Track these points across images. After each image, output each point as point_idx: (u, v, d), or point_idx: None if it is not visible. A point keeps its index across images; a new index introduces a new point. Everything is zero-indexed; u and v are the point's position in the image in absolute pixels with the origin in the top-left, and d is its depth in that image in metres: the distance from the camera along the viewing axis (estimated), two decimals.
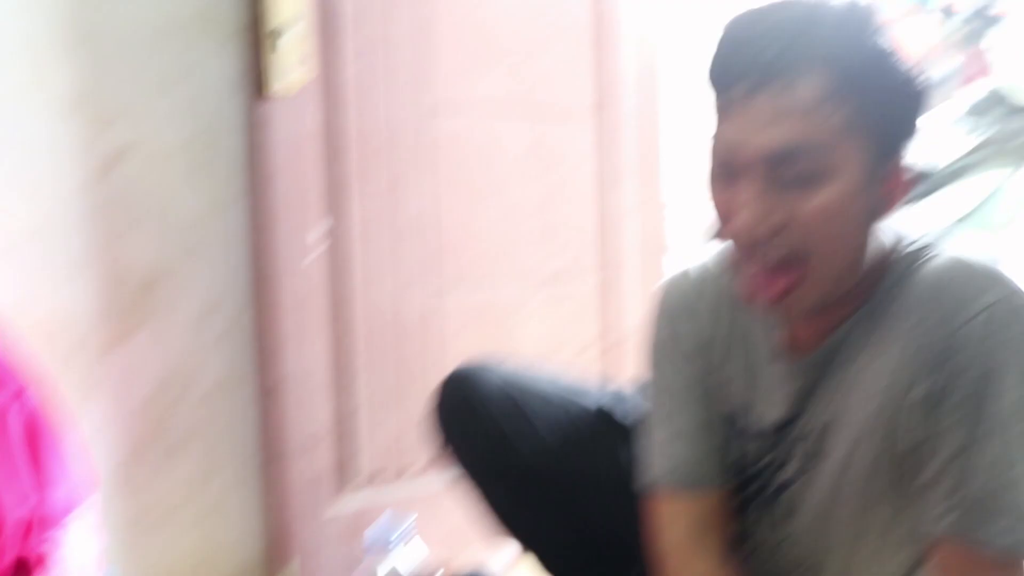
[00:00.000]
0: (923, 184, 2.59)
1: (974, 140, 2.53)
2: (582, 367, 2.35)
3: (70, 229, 1.78)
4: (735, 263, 1.09)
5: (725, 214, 1.06)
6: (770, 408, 1.21)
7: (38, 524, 1.35)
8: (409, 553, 1.37)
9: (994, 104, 2.65)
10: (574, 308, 2.33)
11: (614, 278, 2.39)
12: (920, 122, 1.05)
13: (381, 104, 2.00)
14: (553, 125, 2.27)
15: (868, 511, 1.16)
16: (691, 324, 1.25)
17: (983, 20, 2.62)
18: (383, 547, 1.35)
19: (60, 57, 1.75)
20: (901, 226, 1.13)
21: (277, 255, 1.88)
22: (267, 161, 1.85)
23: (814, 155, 0.99)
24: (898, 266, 1.10)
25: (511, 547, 1.57)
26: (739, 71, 1.01)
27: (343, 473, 2.01)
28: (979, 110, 2.65)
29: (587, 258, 2.35)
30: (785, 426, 1.20)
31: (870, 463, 1.12)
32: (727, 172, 1.04)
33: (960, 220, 2.53)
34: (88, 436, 1.79)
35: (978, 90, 2.79)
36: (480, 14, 2.14)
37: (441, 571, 1.78)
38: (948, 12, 2.67)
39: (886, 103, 1.01)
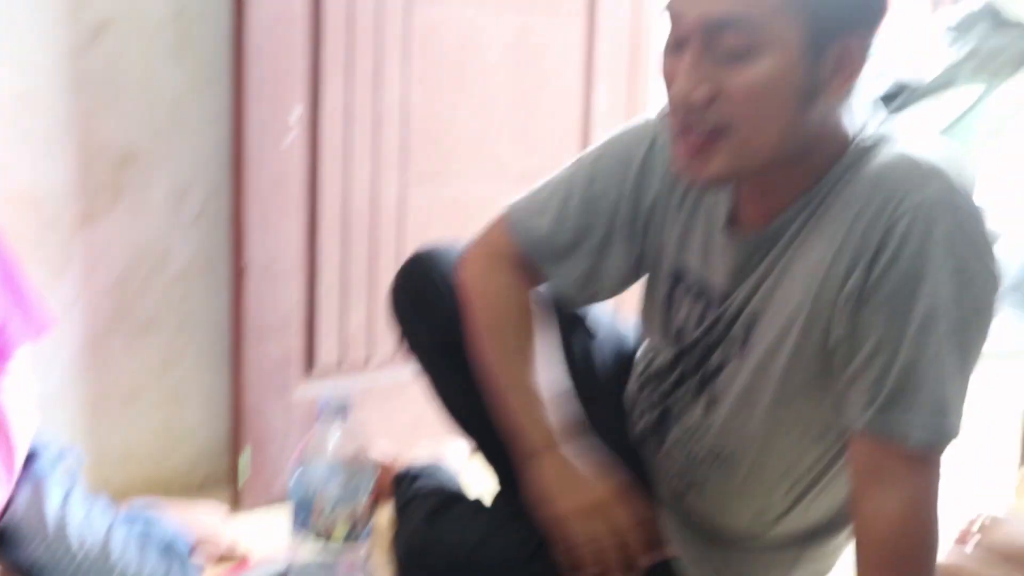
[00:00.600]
0: (906, 95, 2.59)
1: (958, 53, 2.52)
2: None
3: (50, 101, 1.75)
4: (672, 134, 1.14)
5: (668, 80, 1.11)
6: (711, 275, 1.24)
7: None
8: (354, 427, 1.39)
9: (980, 19, 2.63)
10: None
11: None
12: (879, 9, 1.06)
13: None
14: (541, 18, 2.22)
15: (788, 403, 1.18)
16: (657, 175, 1.30)
17: None
18: (338, 414, 1.37)
19: None
20: (872, 120, 1.15)
21: (254, 136, 1.85)
22: (249, 40, 1.81)
23: (747, 28, 1.03)
24: (851, 156, 1.11)
25: (465, 443, 1.59)
26: None
27: (309, 359, 2.02)
28: (965, 24, 2.63)
29: (566, 156, 2.33)
30: (722, 300, 1.23)
31: (794, 354, 1.15)
32: (675, 43, 1.09)
33: (946, 129, 2.54)
34: (58, 311, 1.78)
35: (967, 4, 2.77)
36: None
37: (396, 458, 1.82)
38: None
39: None
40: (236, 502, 1.95)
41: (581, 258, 1.35)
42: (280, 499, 2.00)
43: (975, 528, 1.78)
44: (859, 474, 1.10)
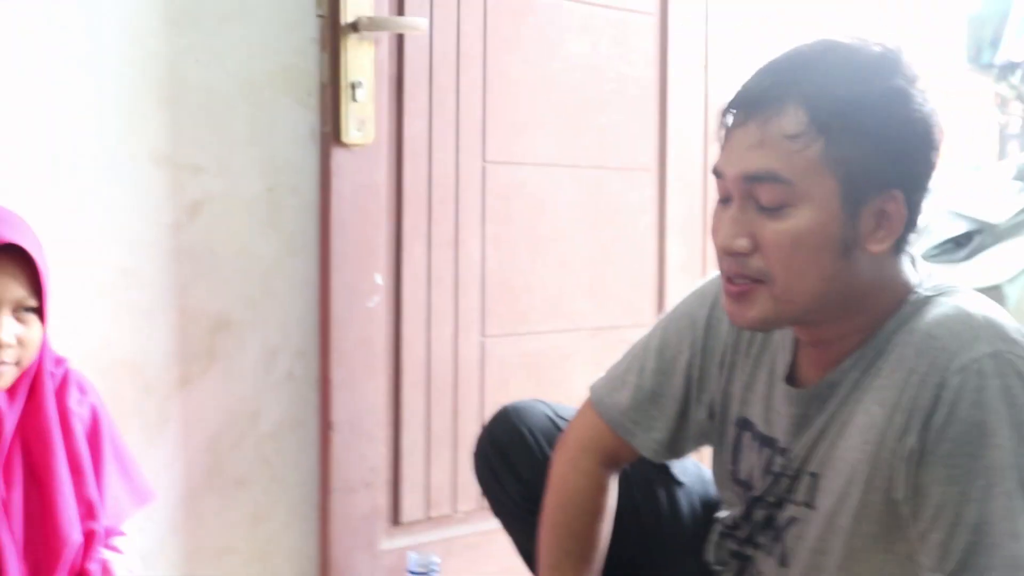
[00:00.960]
0: (983, 236, 2.61)
1: None
2: None
3: (151, 274, 1.87)
4: (722, 281, 1.18)
5: (715, 231, 1.16)
6: (773, 428, 1.26)
7: (95, 538, 1.40)
8: None
9: None
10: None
11: None
12: (920, 170, 1.10)
13: (447, 156, 2.08)
14: (613, 175, 2.33)
15: (860, 559, 1.18)
16: (724, 330, 1.33)
17: None
18: (425, 572, 1.41)
19: (152, 111, 1.85)
20: (931, 274, 1.18)
21: (340, 301, 1.96)
22: (337, 209, 1.93)
23: (782, 183, 1.08)
24: (907, 309, 1.14)
25: None
26: (736, 103, 1.13)
27: (395, 512, 2.08)
28: None
29: (641, 309, 2.40)
30: (784, 453, 1.24)
31: (860, 510, 1.15)
32: (721, 198, 1.16)
33: (1019, 275, 2.55)
34: (156, 472, 1.88)
35: None
36: (545, 71, 2.21)
37: None
38: (1009, 67, 2.69)
39: (865, 142, 1.07)
40: None
41: (663, 423, 1.39)
42: None
43: None
44: None
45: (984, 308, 1.10)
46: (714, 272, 1.40)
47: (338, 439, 1.98)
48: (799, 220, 1.09)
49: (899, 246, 1.14)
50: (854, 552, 1.18)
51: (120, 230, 1.85)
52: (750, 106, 1.11)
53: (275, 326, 2.01)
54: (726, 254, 1.14)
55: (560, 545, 1.41)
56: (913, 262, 1.21)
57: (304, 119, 1.99)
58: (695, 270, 2.48)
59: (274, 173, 1.98)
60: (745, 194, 1.11)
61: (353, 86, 1.91)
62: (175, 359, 1.91)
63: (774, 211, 1.09)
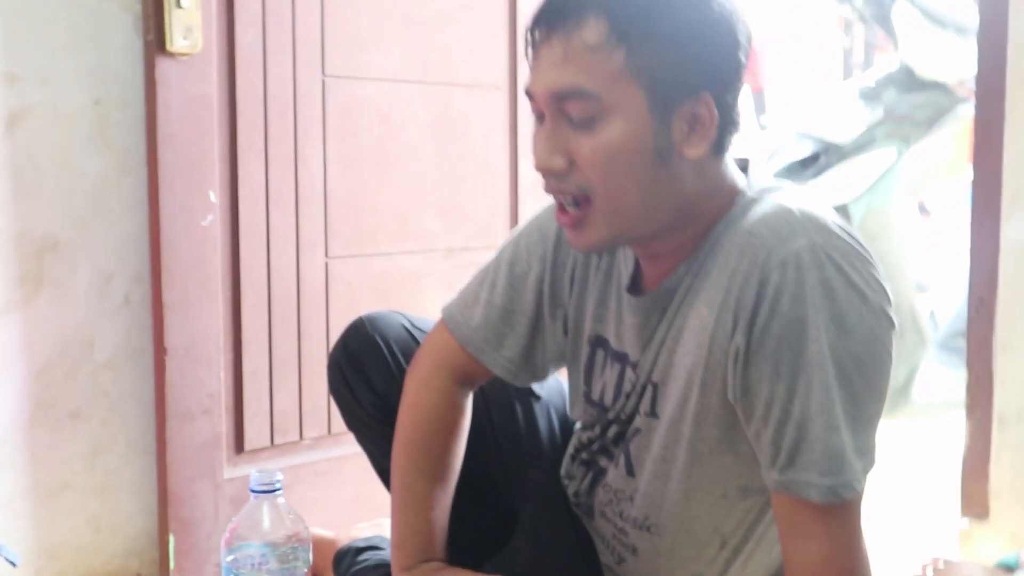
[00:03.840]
0: (827, 157, 2.65)
1: (872, 116, 2.60)
2: None
3: None
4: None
5: (533, 150, 1.13)
6: (623, 341, 1.26)
7: None
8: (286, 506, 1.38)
9: (893, 81, 2.71)
10: None
11: None
12: (728, 71, 1.09)
13: (284, 69, 1.99)
14: (462, 93, 2.27)
15: (702, 463, 1.18)
16: (563, 246, 1.32)
17: None
18: (268, 492, 1.35)
19: None
20: (758, 177, 1.18)
21: (172, 218, 1.87)
22: (165, 122, 1.84)
23: (589, 97, 1.06)
24: (734, 211, 1.14)
25: None
26: (539, 17, 1.10)
27: (239, 440, 2.01)
28: (880, 86, 2.71)
29: (494, 230, 2.36)
30: (634, 366, 1.24)
31: (698, 415, 1.15)
32: (536, 116, 1.14)
33: (863, 194, 2.60)
34: None
35: (877, 68, 2.87)
36: None
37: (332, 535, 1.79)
38: None
39: (667, 51, 1.06)
40: None
41: (515, 340, 1.38)
42: None
43: (928, 573, 1.77)
44: (781, 529, 1.12)
45: (804, 203, 1.10)
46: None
47: (173, 365, 1.90)
48: (610, 133, 1.08)
49: (718, 148, 1.13)
50: (699, 456, 1.18)
51: None
52: (552, 20, 1.09)
53: (108, 249, 1.92)
54: (545, 172, 1.12)
55: (414, 464, 1.40)
56: (746, 166, 1.21)
57: (131, 26, 1.89)
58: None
59: (101, 84, 1.88)
60: (556, 112, 1.10)
61: None
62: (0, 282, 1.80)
63: (585, 126, 1.08)
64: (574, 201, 1.12)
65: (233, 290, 1.97)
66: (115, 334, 1.94)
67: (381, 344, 1.52)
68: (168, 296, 1.87)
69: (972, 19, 2.61)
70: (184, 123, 1.86)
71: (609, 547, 1.33)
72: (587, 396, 1.34)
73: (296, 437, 2.08)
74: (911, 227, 2.64)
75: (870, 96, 2.65)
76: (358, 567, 1.61)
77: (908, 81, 2.64)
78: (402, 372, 1.46)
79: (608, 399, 1.29)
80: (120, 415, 1.96)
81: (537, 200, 2.38)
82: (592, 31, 1.06)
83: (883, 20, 2.67)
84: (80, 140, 1.87)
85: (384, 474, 1.55)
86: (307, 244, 2.05)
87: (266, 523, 1.37)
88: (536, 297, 1.35)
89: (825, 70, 3.00)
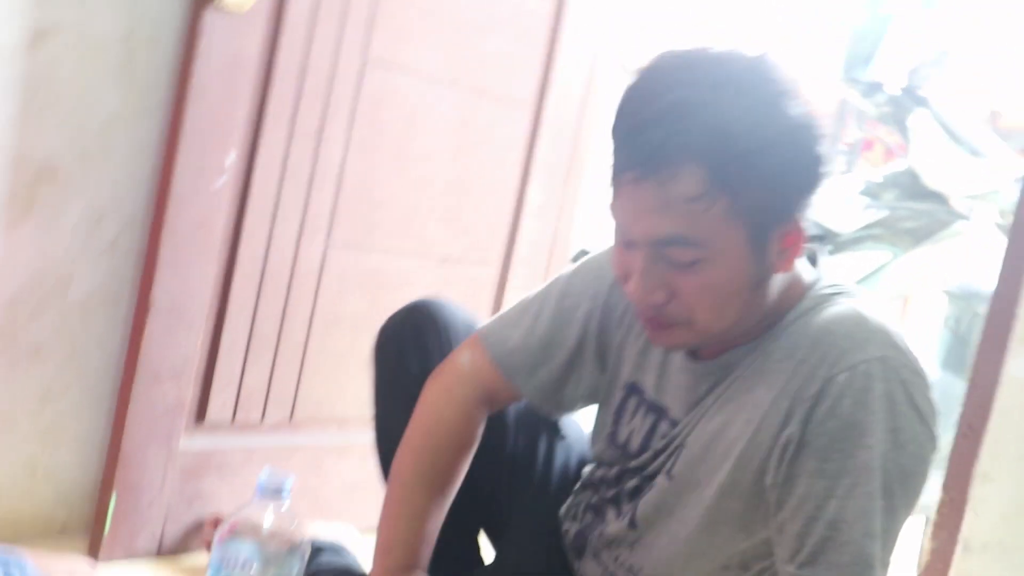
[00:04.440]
0: (825, 243, 2.67)
1: (870, 217, 2.62)
2: None
3: None
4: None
5: (623, 275, 1.15)
6: (664, 395, 1.27)
7: None
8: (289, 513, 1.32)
9: (897, 183, 2.75)
10: (466, 294, 2.29)
11: (514, 273, 2.37)
12: (812, 187, 1.11)
13: (328, 44, 1.92)
14: (488, 105, 2.23)
15: (712, 533, 1.19)
16: (618, 290, 1.30)
17: (911, 100, 2.70)
18: (275, 495, 1.29)
19: None
20: (826, 270, 1.22)
21: (184, 174, 1.79)
22: (200, 75, 1.76)
23: (692, 244, 1.07)
24: (805, 303, 1.16)
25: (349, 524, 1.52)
26: (625, 159, 1.08)
27: (201, 410, 1.93)
28: (883, 186, 2.74)
29: (491, 247, 2.32)
30: (672, 423, 1.25)
31: (727, 485, 1.16)
32: (624, 242, 1.14)
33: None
34: None
35: (884, 168, 2.90)
36: None
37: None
38: (876, 87, 2.75)
39: (764, 189, 1.07)
40: (95, 551, 1.82)
41: (549, 370, 1.37)
42: (143, 554, 1.89)
43: None
44: None
45: (879, 315, 1.13)
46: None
47: (154, 321, 1.81)
48: (713, 272, 1.09)
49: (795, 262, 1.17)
50: (713, 526, 1.19)
51: None
52: (644, 165, 1.07)
53: (107, 187, 1.82)
54: (641, 304, 1.14)
55: (418, 473, 1.38)
56: (814, 258, 1.24)
57: None
58: (550, 217, 2.42)
59: (135, 18, 1.78)
60: (653, 253, 1.10)
61: None
62: None
63: (687, 267, 1.09)
64: (669, 325, 1.14)
65: (229, 257, 1.89)
66: (94, 277, 1.85)
67: (442, 326, 1.49)
68: (164, 251, 1.78)
69: (987, 146, 2.66)
70: (219, 79, 1.78)
71: None
72: (612, 437, 1.34)
73: (258, 418, 2.00)
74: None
75: (873, 192, 2.68)
76: (320, 568, 1.55)
77: (912, 186, 2.67)
78: None
79: (634, 446, 1.30)
80: (80, 361, 1.87)
81: (539, 223, 2.36)
82: (690, 182, 1.05)
83: (900, 123, 2.71)
84: (102, 71, 1.78)
85: (388, 454, 1.49)
86: (311, 228, 1.98)
87: (264, 525, 1.30)
88: (581, 333, 1.35)
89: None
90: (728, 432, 1.16)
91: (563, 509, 1.44)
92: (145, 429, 1.84)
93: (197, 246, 1.83)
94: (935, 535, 2.03)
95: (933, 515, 2.00)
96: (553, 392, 1.38)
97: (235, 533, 1.31)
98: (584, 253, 2.94)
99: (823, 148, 1.11)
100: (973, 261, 2.81)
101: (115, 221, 1.84)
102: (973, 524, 1.96)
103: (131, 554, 1.85)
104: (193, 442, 1.92)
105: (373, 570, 1.37)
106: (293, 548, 1.32)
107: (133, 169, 1.84)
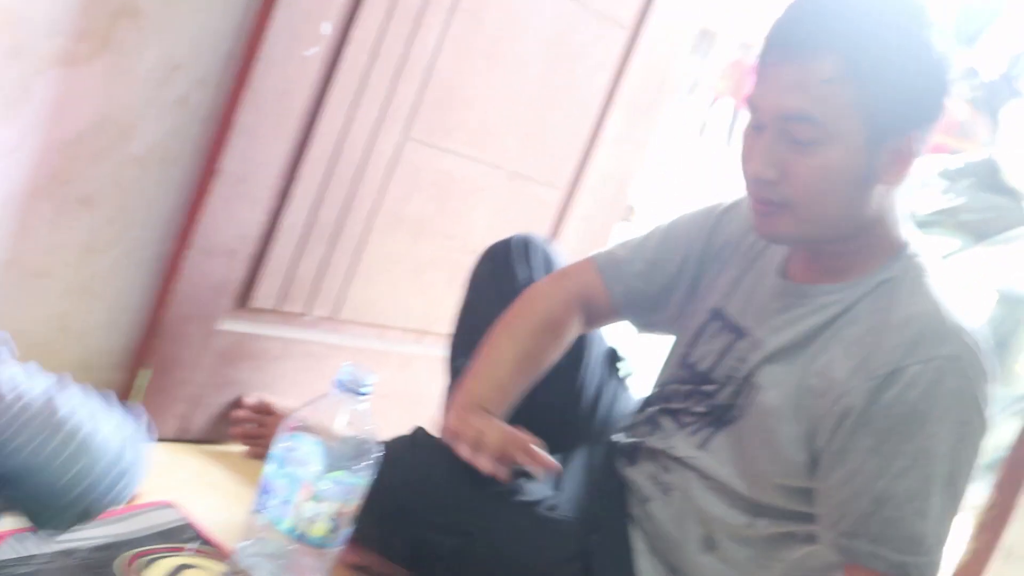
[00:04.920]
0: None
1: (946, 203, 2.53)
2: None
3: None
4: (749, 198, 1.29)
5: (746, 157, 1.25)
6: (746, 318, 1.35)
7: None
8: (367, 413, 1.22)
9: (976, 172, 2.65)
10: (530, 211, 2.18)
11: (580, 200, 2.25)
12: (935, 111, 1.19)
13: None
14: (588, 19, 2.08)
15: (774, 458, 1.26)
16: (734, 225, 1.43)
17: (1007, 89, 2.59)
18: (353, 392, 1.19)
19: None
20: (916, 235, 1.29)
21: (278, 36, 1.64)
22: None
23: (817, 124, 1.16)
24: (897, 265, 1.24)
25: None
26: (774, 41, 1.21)
27: (246, 292, 1.81)
28: (962, 173, 2.65)
29: (564, 169, 2.20)
30: (748, 335, 1.33)
31: (790, 432, 1.23)
32: (754, 125, 1.23)
33: None
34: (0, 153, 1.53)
35: (963, 155, 2.80)
36: None
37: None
38: (973, 71, 2.64)
39: (892, 89, 1.15)
40: None
41: (648, 286, 1.48)
42: (167, 437, 1.78)
43: None
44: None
45: (960, 309, 1.20)
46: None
47: (218, 191, 1.67)
48: (827, 157, 1.17)
49: (902, 180, 1.24)
50: (770, 453, 1.26)
51: None
52: (789, 48, 1.18)
53: (187, 36, 1.67)
54: (756, 181, 1.23)
55: (512, 339, 1.45)
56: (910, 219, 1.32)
57: None
58: (624, 151, 2.29)
59: None
60: (779, 129, 1.19)
61: None
62: (60, 28, 1.55)
63: (805, 146, 1.17)
64: (773, 207, 1.23)
65: (304, 135, 1.75)
66: (159, 131, 1.70)
67: (553, 255, 1.63)
68: (242, 114, 1.64)
69: None
70: None
71: (638, 490, 1.38)
72: (684, 358, 1.41)
73: (301, 309, 1.88)
74: None
75: (951, 177, 2.58)
76: None
77: (990, 178, 2.58)
78: None
79: (704, 366, 1.37)
80: (130, 218, 1.73)
81: (612, 156, 2.24)
82: (827, 65, 1.15)
83: (992, 111, 2.60)
84: None
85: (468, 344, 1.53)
86: (394, 115, 1.84)
87: (333, 422, 1.20)
88: (682, 259, 1.46)
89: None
90: (801, 383, 1.23)
91: (623, 418, 1.53)
92: (188, 303, 1.72)
93: (276, 115, 1.69)
94: (977, 537, 2.01)
95: (979, 517, 1.96)
96: (645, 308, 1.49)
97: (302, 427, 1.22)
98: (630, 208, 2.83)
99: (949, 86, 1.20)
100: None
101: (190, 74, 1.69)
102: (1019, 532, 1.94)
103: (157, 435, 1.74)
104: (233, 325, 1.80)
105: (449, 405, 1.43)
106: (363, 451, 1.22)
107: (218, 20, 1.69)
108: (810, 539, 1.27)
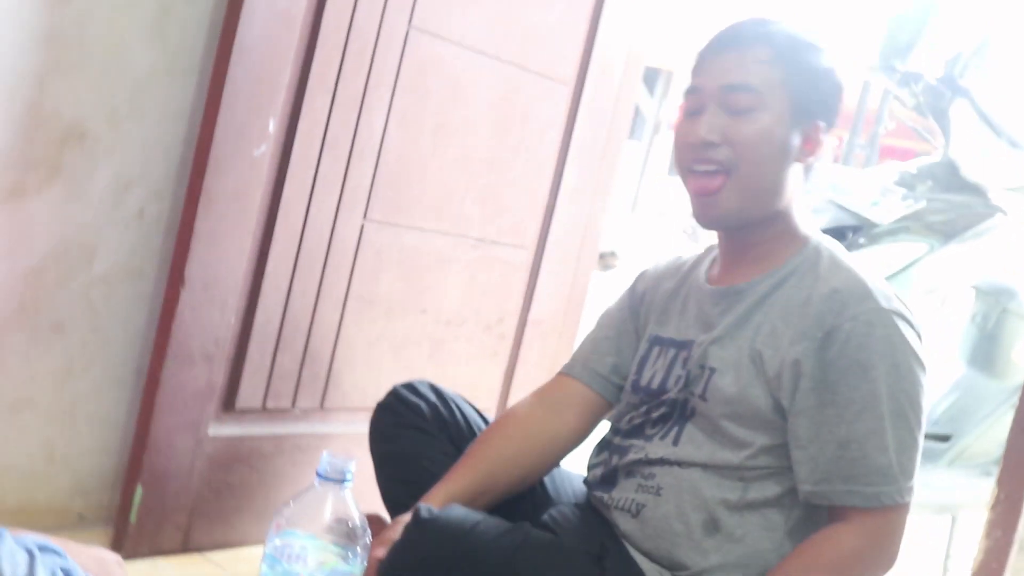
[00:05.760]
0: (861, 235, 2.60)
1: (908, 208, 2.54)
2: (493, 339, 2.22)
3: (6, 49, 1.52)
4: (683, 176, 1.43)
5: (684, 138, 1.42)
6: (685, 328, 1.48)
7: None
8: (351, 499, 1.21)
9: (934, 173, 2.67)
10: (499, 276, 2.19)
11: (548, 258, 2.26)
12: (833, 110, 1.42)
13: (374, 7, 1.80)
14: (531, 79, 2.12)
15: (733, 444, 1.37)
16: (647, 279, 1.60)
17: (951, 90, 2.62)
18: (336, 481, 1.19)
19: None
20: (818, 231, 1.47)
21: (225, 139, 1.67)
22: (244, 33, 1.64)
23: (754, 92, 1.37)
24: (809, 250, 1.41)
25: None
26: (715, 42, 1.44)
27: (231, 395, 1.81)
28: (920, 177, 2.67)
29: (526, 230, 2.22)
30: (691, 345, 1.44)
31: (754, 398, 1.36)
32: (690, 111, 1.42)
33: (887, 278, 2.54)
34: None
35: (919, 159, 2.82)
36: None
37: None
38: (915, 77, 2.67)
39: (807, 77, 1.40)
40: (119, 545, 1.70)
41: (602, 356, 1.59)
42: (172, 550, 1.77)
43: None
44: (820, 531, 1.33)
45: (871, 276, 1.38)
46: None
47: (187, 300, 1.69)
48: (762, 121, 1.37)
49: (808, 171, 1.43)
50: (736, 435, 1.37)
51: None
52: (729, 41, 1.42)
53: (136, 152, 1.70)
54: (701, 145, 1.38)
55: (483, 446, 1.51)
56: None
57: None
58: (585, 200, 2.31)
59: None
60: (720, 101, 1.38)
61: None
62: (10, 163, 1.57)
63: (744, 113, 1.37)
64: (717, 170, 1.37)
65: (265, 232, 1.77)
66: (120, 248, 1.72)
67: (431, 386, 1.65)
68: (201, 223, 1.66)
69: None
70: (263, 40, 1.67)
71: (627, 506, 1.43)
72: (635, 384, 1.51)
73: (289, 404, 1.88)
74: (927, 322, 2.60)
75: (909, 184, 2.60)
76: None
77: (949, 178, 2.60)
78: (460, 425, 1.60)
79: (655, 384, 1.48)
80: (103, 338, 1.74)
81: (574, 206, 2.26)
82: (761, 51, 1.40)
83: (939, 113, 2.63)
84: (135, 27, 1.66)
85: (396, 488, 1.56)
86: (349, 200, 1.87)
87: (321, 514, 1.20)
88: (620, 319, 1.61)
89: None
90: (751, 352, 1.36)
91: (587, 464, 1.56)
92: (174, 414, 1.72)
93: (234, 217, 1.71)
94: (989, 533, 1.96)
95: (989, 513, 1.92)
96: (606, 376, 1.57)
97: (290, 522, 1.22)
98: (611, 254, 2.84)
99: (841, 92, 1.44)
100: (1006, 256, 2.75)
101: (143, 188, 1.72)
102: None
103: (157, 549, 1.73)
104: (221, 429, 1.80)
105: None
106: (354, 538, 1.22)
107: (164, 134, 1.72)
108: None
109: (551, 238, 2.26)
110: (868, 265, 1.43)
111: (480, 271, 2.14)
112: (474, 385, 2.19)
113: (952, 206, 2.57)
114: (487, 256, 2.14)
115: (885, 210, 2.54)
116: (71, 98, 1.61)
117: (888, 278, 2.50)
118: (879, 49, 2.73)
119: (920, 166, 2.71)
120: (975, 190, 2.61)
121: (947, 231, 2.56)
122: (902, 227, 2.52)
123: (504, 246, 2.18)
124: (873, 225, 2.53)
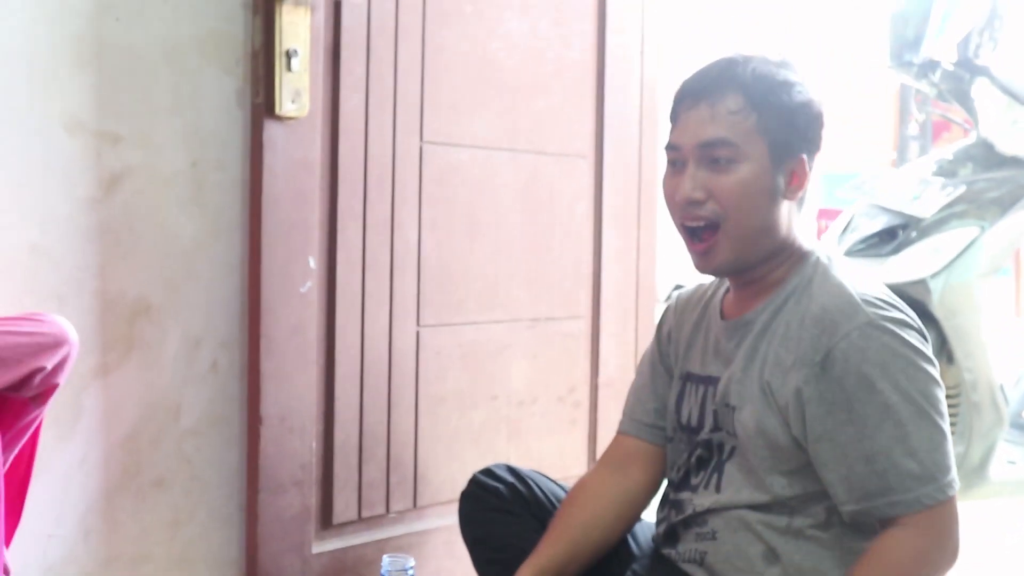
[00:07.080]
0: (906, 234, 2.62)
1: (949, 196, 2.56)
2: (568, 409, 2.32)
3: (65, 252, 1.71)
4: (684, 239, 1.46)
5: (671, 194, 1.45)
6: (711, 366, 1.51)
7: None
8: None
9: (971, 155, 2.69)
10: (561, 350, 2.30)
11: (605, 321, 2.36)
12: (815, 141, 1.45)
13: (384, 134, 1.96)
14: (550, 161, 2.24)
15: (779, 460, 1.41)
16: (670, 317, 1.65)
17: (969, 71, 2.65)
18: None
19: (66, 72, 1.71)
20: (821, 245, 1.51)
21: (270, 285, 1.83)
22: (269, 186, 1.80)
23: (731, 146, 1.40)
24: (807, 270, 1.45)
25: None
26: (686, 93, 1.46)
27: (327, 513, 1.95)
28: (957, 162, 2.68)
29: (577, 300, 2.32)
30: (716, 381, 1.48)
31: (772, 429, 1.39)
32: (676, 165, 1.45)
33: (942, 270, 2.56)
34: (67, 471, 1.72)
35: (954, 144, 2.84)
36: (485, 50, 2.11)
37: None
38: (932, 66, 2.70)
39: (783, 118, 1.41)
40: None
41: (644, 405, 1.64)
42: None
43: None
44: (873, 546, 1.35)
45: (860, 285, 1.41)
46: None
47: (267, 434, 1.84)
48: (743, 172, 1.40)
49: (800, 203, 1.46)
50: (773, 458, 1.41)
51: (30, 205, 1.69)
52: (700, 93, 1.43)
53: (198, 313, 1.87)
54: (687, 204, 1.42)
55: (560, 519, 1.57)
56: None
57: (231, 89, 1.86)
58: (630, 260, 2.41)
59: (199, 146, 1.84)
60: (699, 157, 1.41)
61: (288, 54, 1.79)
62: (90, 347, 1.75)
63: (724, 167, 1.40)
64: (707, 226, 1.42)
65: (327, 358, 1.92)
66: (201, 401, 1.88)
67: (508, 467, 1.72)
68: (265, 364, 1.82)
69: None
70: (287, 187, 1.83)
71: (692, 557, 1.49)
72: (677, 423, 1.57)
73: (383, 510, 2.01)
74: (990, 304, 2.60)
75: (948, 171, 2.62)
76: None
77: (987, 157, 2.61)
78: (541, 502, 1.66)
79: (693, 420, 1.52)
80: (202, 484, 1.90)
81: (619, 267, 2.36)
82: (733, 101, 1.41)
83: (962, 96, 2.66)
84: (176, 202, 1.83)
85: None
86: (400, 311, 2.01)
87: None
88: (651, 366, 1.66)
89: (888, 147, 2.96)
90: (761, 384, 1.40)
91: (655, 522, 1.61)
92: (276, 540, 1.86)
93: (295, 351, 1.86)
94: None
95: None
96: (652, 423, 1.61)
97: None
98: (679, 287, 2.90)
99: (822, 121, 1.46)
100: None
101: (212, 342, 1.88)
102: None
103: None
104: (325, 544, 1.93)
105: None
106: None
107: (220, 289, 1.88)
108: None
109: (604, 301, 2.36)
110: (857, 273, 1.46)
111: (541, 348, 2.25)
112: (560, 454, 2.30)
113: (996, 183, 2.58)
114: (545, 332, 2.25)
115: (927, 202, 2.56)
116: (131, 278, 1.79)
117: (948, 265, 2.53)
118: (888, 47, 2.77)
119: (956, 151, 2.73)
120: (1015, 162, 2.61)
121: (997, 207, 2.56)
122: (950, 214, 2.53)
123: (559, 320, 2.29)
124: (919, 220, 2.56)
